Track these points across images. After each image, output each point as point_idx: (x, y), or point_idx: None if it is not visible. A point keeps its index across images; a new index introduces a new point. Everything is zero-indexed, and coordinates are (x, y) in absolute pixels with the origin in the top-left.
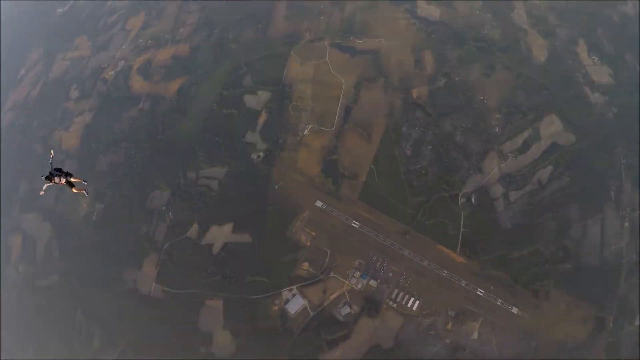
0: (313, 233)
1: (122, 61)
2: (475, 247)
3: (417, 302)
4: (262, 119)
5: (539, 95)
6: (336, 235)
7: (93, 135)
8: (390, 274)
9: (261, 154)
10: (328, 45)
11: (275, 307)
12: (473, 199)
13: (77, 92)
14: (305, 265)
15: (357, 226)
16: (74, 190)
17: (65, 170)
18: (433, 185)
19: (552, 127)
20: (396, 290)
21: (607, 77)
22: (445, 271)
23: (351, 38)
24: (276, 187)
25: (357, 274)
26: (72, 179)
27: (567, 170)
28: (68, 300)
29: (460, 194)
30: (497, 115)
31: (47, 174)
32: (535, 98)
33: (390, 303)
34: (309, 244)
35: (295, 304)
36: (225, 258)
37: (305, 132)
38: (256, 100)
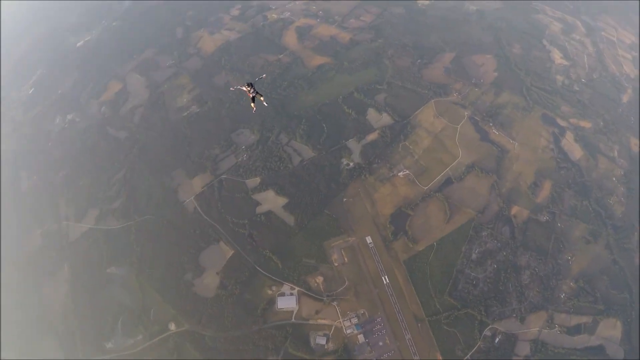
0: (346, 259)
1: (289, 13)
2: None
3: None
4: (372, 137)
5: (619, 294)
6: (363, 276)
7: (228, 52)
8: (381, 343)
9: (352, 164)
10: (467, 116)
11: (269, 292)
12: (497, 340)
13: (237, 12)
14: (320, 279)
15: (385, 282)
16: (252, 104)
17: (257, 91)
18: (473, 300)
19: (610, 331)
20: None
21: None
22: None
23: (490, 124)
24: (344, 200)
25: (355, 320)
26: (258, 97)
27: None
28: (119, 157)
29: (490, 326)
30: (571, 284)
31: (251, 82)
32: (614, 294)
33: None
34: (336, 264)
35: (287, 302)
36: (262, 223)
37: (400, 174)
38: (377, 118)
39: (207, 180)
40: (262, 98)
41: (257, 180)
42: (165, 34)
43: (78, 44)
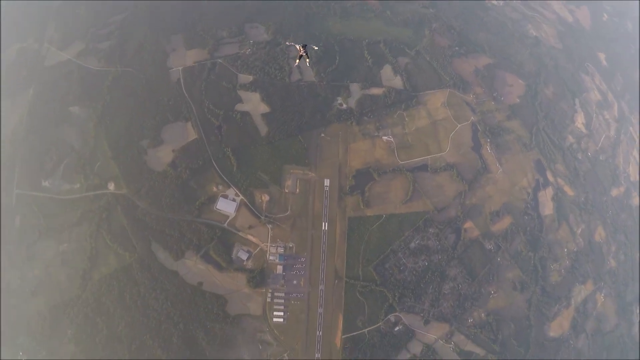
0: (298, 190)
1: None
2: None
3: (282, 322)
4: (376, 91)
5: (517, 346)
6: (306, 213)
7: None
8: (295, 282)
9: (345, 106)
10: (472, 121)
11: (214, 189)
12: (397, 328)
13: None
14: (266, 197)
15: (323, 228)
16: (297, 60)
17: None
18: (393, 283)
19: None
20: (282, 295)
21: None
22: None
23: (488, 140)
24: (322, 135)
25: (281, 250)
26: (305, 58)
27: None
28: None
29: (396, 314)
30: (482, 315)
31: (306, 44)
32: (513, 344)
33: (268, 296)
34: (286, 191)
35: (226, 205)
36: (236, 120)
37: (385, 138)
38: (390, 77)
39: (202, 57)
40: (307, 60)
41: (250, 78)
42: None
43: None
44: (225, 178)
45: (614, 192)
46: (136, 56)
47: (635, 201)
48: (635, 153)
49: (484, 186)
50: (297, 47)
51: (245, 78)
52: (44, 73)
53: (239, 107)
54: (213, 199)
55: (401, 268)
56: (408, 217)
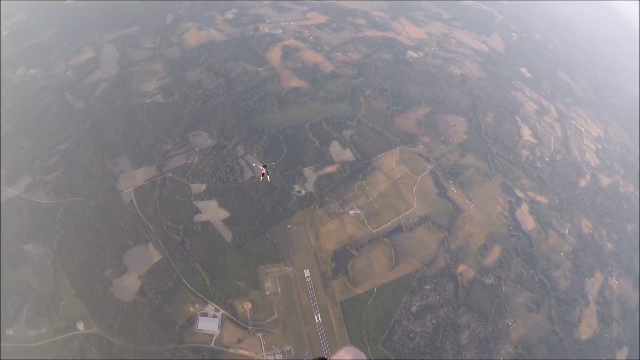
0: (279, 289)
1: (281, 31)
2: None
3: None
4: (330, 169)
5: None
6: (294, 310)
7: (209, 51)
8: None
9: (303, 192)
10: (429, 170)
11: (191, 309)
12: None
13: (232, 16)
14: (248, 305)
15: (317, 321)
16: (260, 178)
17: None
18: (408, 354)
19: None
20: None
21: None
22: None
23: (450, 182)
24: (288, 227)
25: (279, 356)
26: (266, 176)
27: None
28: (68, 127)
29: None
30: (510, 349)
31: (266, 165)
32: None
33: None
34: (267, 293)
35: (208, 324)
36: (197, 232)
37: (351, 212)
38: (340, 153)
39: (151, 174)
40: (268, 177)
41: (203, 186)
42: (155, 16)
43: (68, 0)
44: (200, 295)
45: (582, 182)
46: (85, 184)
47: (605, 182)
48: (586, 141)
49: (462, 226)
50: (260, 167)
51: (198, 187)
52: None
53: (198, 217)
54: (192, 320)
55: (410, 335)
56: (400, 282)
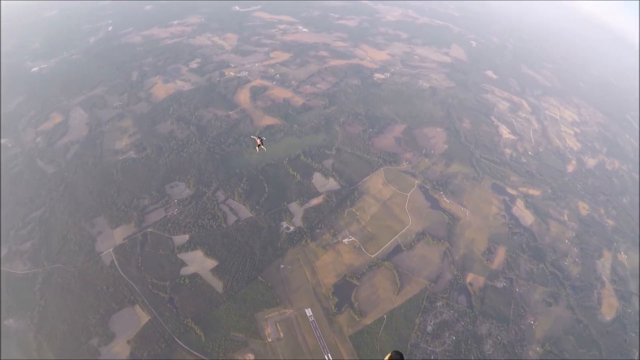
0: (281, 334)
1: (247, 73)
2: None
3: None
4: (316, 201)
5: (587, 351)
6: (301, 354)
7: (178, 102)
8: None
9: (292, 228)
10: (417, 185)
11: None
12: None
13: (196, 65)
14: (250, 357)
15: None
16: (256, 148)
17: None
18: None
19: None
20: None
21: None
22: None
23: (441, 192)
24: (282, 266)
25: None
26: (261, 147)
27: None
28: (41, 193)
29: None
30: (538, 349)
31: (262, 137)
32: (583, 352)
33: None
34: (270, 340)
35: None
36: (186, 287)
37: (345, 241)
38: (323, 183)
39: (130, 232)
40: (263, 147)
41: (186, 237)
42: (121, 75)
43: (33, 69)
44: (196, 353)
45: (569, 168)
46: (62, 249)
47: (591, 163)
48: (564, 127)
49: (462, 234)
50: (256, 139)
51: (181, 239)
52: None
53: (185, 270)
54: None
55: (432, 357)
56: (409, 305)
